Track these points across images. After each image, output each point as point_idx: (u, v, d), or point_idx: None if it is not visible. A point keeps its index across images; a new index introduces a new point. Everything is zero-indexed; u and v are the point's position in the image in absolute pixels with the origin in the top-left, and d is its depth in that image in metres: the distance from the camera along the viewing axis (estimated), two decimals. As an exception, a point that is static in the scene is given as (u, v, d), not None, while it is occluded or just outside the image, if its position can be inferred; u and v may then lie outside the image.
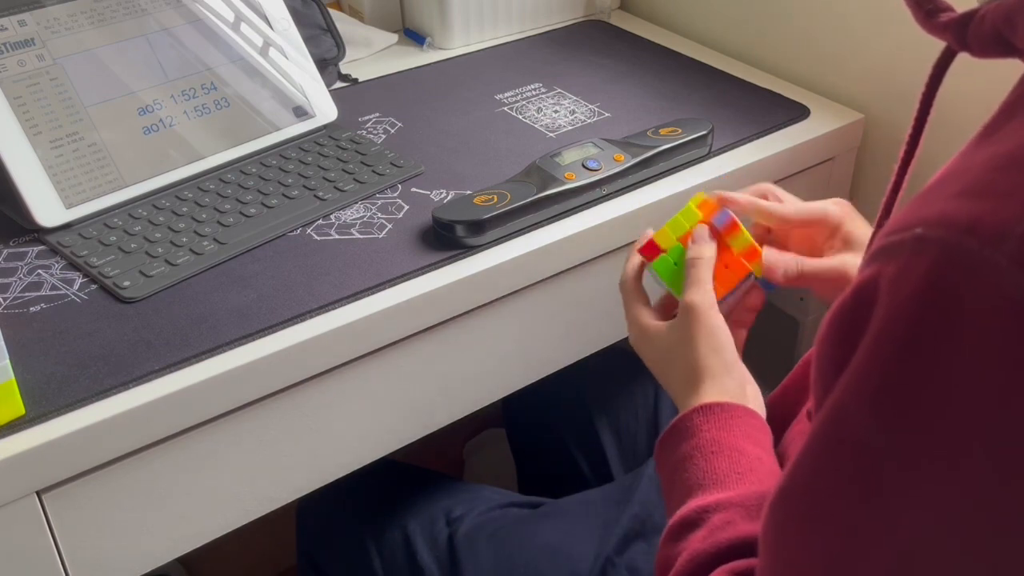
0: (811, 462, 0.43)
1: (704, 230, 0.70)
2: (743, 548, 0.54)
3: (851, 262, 0.71)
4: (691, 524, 0.57)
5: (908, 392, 0.38)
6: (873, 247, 0.40)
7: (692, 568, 0.55)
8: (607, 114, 1.05)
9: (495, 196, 0.84)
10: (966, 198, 0.37)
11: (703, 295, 0.67)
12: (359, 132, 1.00)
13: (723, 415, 0.62)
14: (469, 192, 0.88)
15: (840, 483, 0.41)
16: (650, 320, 0.70)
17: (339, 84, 1.12)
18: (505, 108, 1.06)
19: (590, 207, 0.89)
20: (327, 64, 1.09)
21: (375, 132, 1.01)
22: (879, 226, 0.53)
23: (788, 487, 0.45)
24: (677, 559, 0.57)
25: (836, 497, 0.42)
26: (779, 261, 0.71)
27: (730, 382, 0.64)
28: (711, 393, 0.64)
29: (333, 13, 1.17)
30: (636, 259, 0.73)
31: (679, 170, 0.95)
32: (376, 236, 0.84)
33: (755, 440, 0.62)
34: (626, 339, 0.96)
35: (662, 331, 0.68)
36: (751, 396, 0.65)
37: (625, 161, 0.90)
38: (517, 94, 1.09)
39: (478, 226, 0.82)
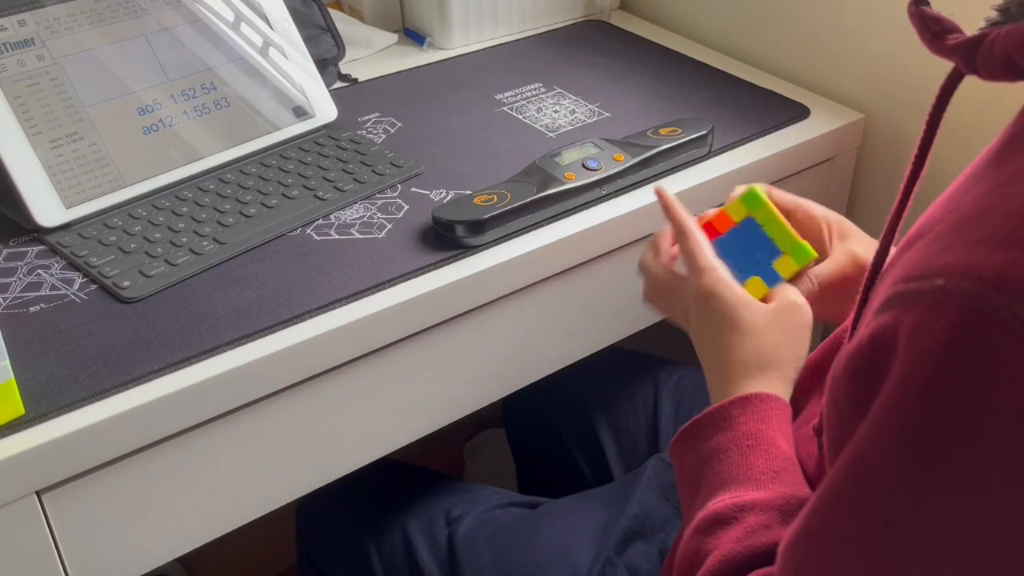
0: (830, 509, 0.43)
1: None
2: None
3: (855, 250, 0.71)
4: (724, 521, 0.56)
5: (931, 445, 0.37)
6: (890, 292, 0.40)
7: (726, 569, 0.54)
8: (607, 114, 1.05)
9: (495, 196, 0.84)
10: (990, 247, 0.37)
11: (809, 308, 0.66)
12: (359, 132, 1.00)
13: (762, 407, 0.61)
14: (469, 192, 0.88)
15: (862, 534, 0.41)
16: (735, 284, 0.66)
17: (339, 84, 1.12)
18: (505, 108, 1.06)
19: (590, 207, 0.89)
20: (327, 64, 1.09)
21: (375, 132, 1.01)
22: (883, 247, 0.52)
23: (805, 533, 0.44)
24: (708, 556, 0.56)
25: (857, 547, 0.41)
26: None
27: (789, 391, 0.64)
28: (777, 386, 0.63)
29: (333, 13, 1.17)
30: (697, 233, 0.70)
31: (679, 170, 0.95)
32: (376, 236, 0.84)
33: (787, 437, 0.61)
34: (626, 339, 0.97)
35: (754, 305, 0.64)
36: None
37: (625, 161, 0.90)
38: (517, 94, 1.09)
39: (478, 226, 0.82)
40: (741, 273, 0.68)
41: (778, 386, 0.63)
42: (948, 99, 0.47)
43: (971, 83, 0.46)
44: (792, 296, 0.65)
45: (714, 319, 0.65)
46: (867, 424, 0.40)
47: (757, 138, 1.01)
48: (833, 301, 0.73)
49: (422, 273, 0.80)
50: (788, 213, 0.73)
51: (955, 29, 0.44)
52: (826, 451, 0.49)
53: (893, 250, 0.51)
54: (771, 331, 0.64)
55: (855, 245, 0.71)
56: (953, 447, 0.37)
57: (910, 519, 0.39)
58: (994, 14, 0.42)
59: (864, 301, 0.53)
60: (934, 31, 0.44)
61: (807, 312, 0.65)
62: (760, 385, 0.62)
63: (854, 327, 0.54)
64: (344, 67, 1.14)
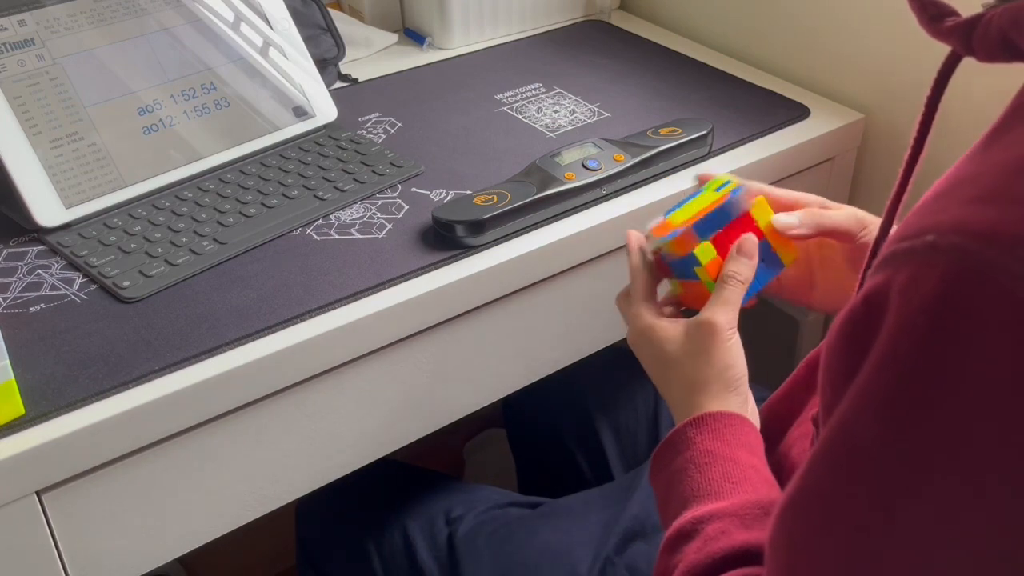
0: (821, 472, 0.43)
1: (754, 245, 0.67)
2: (738, 557, 0.54)
3: (858, 210, 0.71)
4: (686, 535, 0.57)
5: (920, 403, 0.37)
6: (883, 253, 0.40)
7: None
8: (607, 114, 1.05)
9: (495, 196, 0.84)
10: (980, 204, 0.37)
11: (729, 317, 0.65)
12: (359, 132, 1.00)
13: (715, 424, 0.61)
14: (469, 192, 0.88)
15: (851, 493, 0.41)
16: (657, 320, 0.68)
17: (339, 84, 1.12)
18: (505, 108, 1.06)
19: (590, 207, 0.89)
20: (327, 64, 1.09)
21: (375, 132, 1.01)
22: (883, 229, 0.53)
23: (797, 497, 0.44)
24: (674, 571, 0.56)
25: (847, 508, 0.41)
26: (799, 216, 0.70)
27: (735, 401, 0.64)
28: (711, 407, 0.63)
29: (333, 13, 1.17)
30: (641, 244, 0.71)
31: (679, 170, 0.95)
32: (376, 236, 0.84)
33: (749, 448, 0.61)
34: (626, 339, 0.96)
35: (673, 337, 0.66)
36: (751, 413, 0.65)
37: (625, 161, 0.90)
38: (517, 94, 1.09)
39: (478, 226, 0.82)
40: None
41: (718, 401, 0.63)
42: (946, 82, 0.48)
43: (971, 69, 0.46)
44: (712, 317, 0.65)
45: (649, 358, 0.68)
46: (857, 384, 0.40)
47: (757, 138, 1.01)
48: (827, 271, 0.75)
49: (422, 273, 0.80)
50: (790, 206, 0.73)
51: (952, 12, 0.45)
52: (820, 420, 0.49)
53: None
54: (690, 358, 0.65)
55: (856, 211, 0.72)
56: (942, 404, 0.37)
57: (899, 479, 0.39)
58: None
59: (865, 279, 0.53)
60: (931, 14, 0.45)
61: (722, 331, 0.65)
62: (704, 403, 0.63)
63: None
64: (344, 67, 1.14)
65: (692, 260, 0.68)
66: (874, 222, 0.71)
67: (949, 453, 0.37)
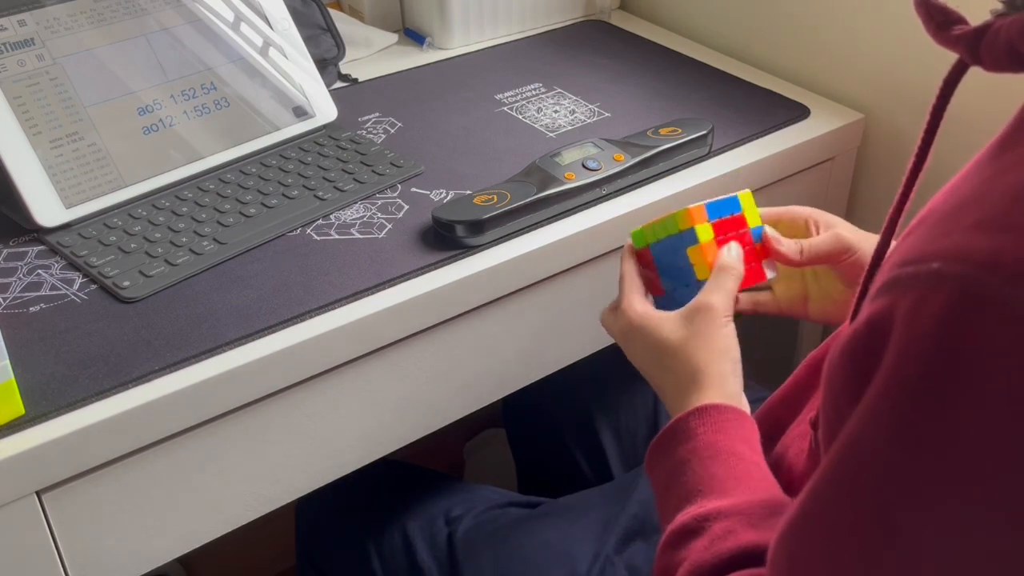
0: (826, 495, 0.43)
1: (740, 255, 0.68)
2: (745, 557, 0.54)
3: (842, 232, 0.71)
4: (691, 532, 0.57)
5: (924, 428, 0.37)
6: (887, 277, 0.40)
7: None
8: (607, 114, 1.05)
9: (495, 196, 0.84)
10: (985, 231, 0.37)
11: (726, 303, 0.65)
12: (359, 132, 1.00)
13: (718, 417, 0.61)
14: (469, 192, 0.88)
15: (856, 517, 0.41)
16: (651, 309, 0.67)
17: (339, 84, 1.12)
18: (505, 108, 1.06)
19: (590, 207, 0.89)
20: (327, 64, 1.09)
21: (375, 132, 1.01)
22: (885, 239, 0.53)
23: (802, 519, 0.44)
24: (678, 568, 0.56)
25: (852, 531, 0.41)
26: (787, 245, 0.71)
27: (734, 386, 0.64)
28: (713, 395, 0.63)
29: (333, 13, 1.17)
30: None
31: (679, 170, 0.95)
32: (376, 236, 0.84)
33: (749, 444, 0.61)
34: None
35: (669, 323, 0.66)
36: (745, 404, 0.64)
37: (625, 161, 0.90)
38: (517, 94, 1.09)
39: (478, 226, 0.82)
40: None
41: (717, 387, 0.63)
42: (952, 91, 0.47)
43: (977, 77, 0.46)
44: (709, 300, 0.65)
45: (642, 349, 0.67)
46: (862, 408, 0.40)
47: (757, 138, 1.01)
48: (820, 282, 0.75)
49: (422, 273, 0.80)
50: (775, 222, 0.74)
51: (960, 20, 0.44)
52: (821, 440, 0.49)
53: (894, 243, 0.51)
54: (689, 341, 0.64)
55: (841, 230, 0.72)
56: (945, 431, 0.37)
57: (903, 504, 0.39)
58: (1000, 6, 0.43)
59: (864, 292, 0.53)
60: (939, 22, 0.45)
61: (718, 313, 0.65)
62: (704, 394, 0.63)
63: (854, 317, 0.54)
64: (344, 67, 1.14)
65: (690, 238, 0.68)
66: (857, 244, 0.71)
67: (952, 475, 0.37)
